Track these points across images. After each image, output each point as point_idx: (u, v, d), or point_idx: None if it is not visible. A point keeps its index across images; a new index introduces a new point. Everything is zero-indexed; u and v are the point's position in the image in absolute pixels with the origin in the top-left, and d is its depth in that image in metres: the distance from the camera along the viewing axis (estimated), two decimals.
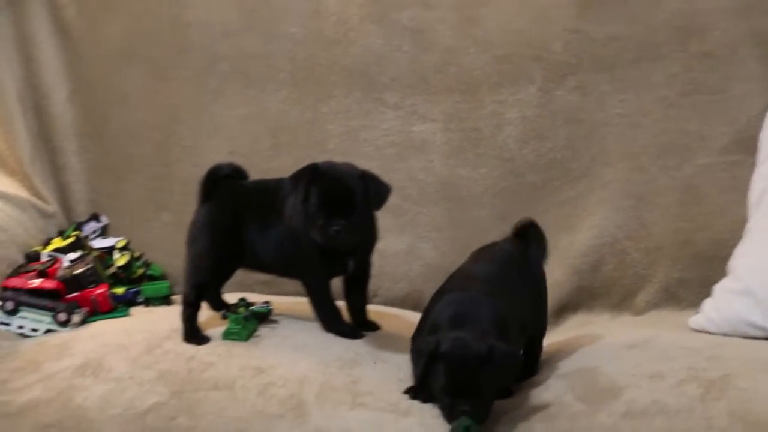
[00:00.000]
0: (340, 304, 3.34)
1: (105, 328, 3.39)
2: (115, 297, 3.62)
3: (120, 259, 3.80)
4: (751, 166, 3.48)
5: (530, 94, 3.81)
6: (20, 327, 3.44)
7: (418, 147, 3.90)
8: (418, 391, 2.92)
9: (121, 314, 3.55)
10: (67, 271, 3.60)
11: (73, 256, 3.72)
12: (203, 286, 3.34)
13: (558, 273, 3.67)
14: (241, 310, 3.27)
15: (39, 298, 3.47)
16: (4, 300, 3.45)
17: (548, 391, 2.96)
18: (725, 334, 3.19)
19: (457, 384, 2.73)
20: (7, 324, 3.44)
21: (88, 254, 3.73)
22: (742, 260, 3.31)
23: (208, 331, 3.25)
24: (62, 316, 3.43)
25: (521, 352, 3.06)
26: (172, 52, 4.13)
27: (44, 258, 3.73)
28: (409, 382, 2.96)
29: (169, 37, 4.13)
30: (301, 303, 3.39)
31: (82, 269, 3.59)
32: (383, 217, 3.31)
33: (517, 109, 3.82)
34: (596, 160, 3.73)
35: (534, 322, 3.14)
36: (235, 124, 4.05)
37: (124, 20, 4.17)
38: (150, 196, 4.10)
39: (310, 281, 3.31)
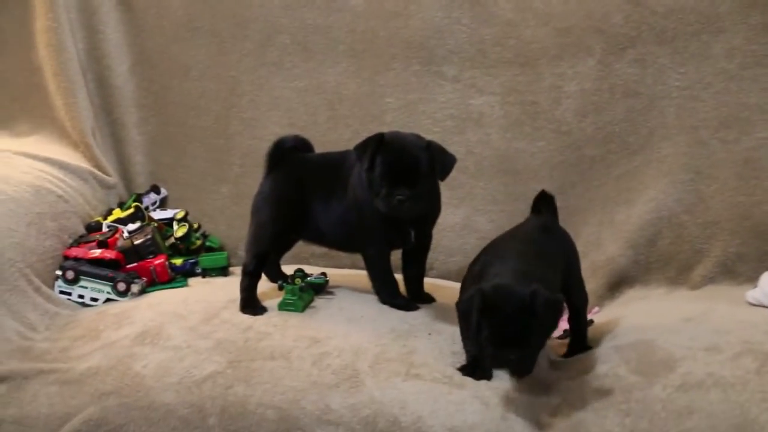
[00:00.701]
0: (397, 277, 3.35)
1: (163, 297, 3.43)
2: (174, 267, 3.67)
3: (179, 230, 3.83)
4: None
5: (589, 67, 3.79)
6: (80, 296, 3.50)
7: (476, 120, 3.90)
8: (471, 369, 2.92)
9: (179, 284, 3.60)
10: (127, 241, 3.65)
11: (132, 227, 3.76)
12: (264, 256, 3.37)
13: (614, 247, 3.66)
14: (298, 281, 3.29)
15: (99, 268, 3.53)
16: (65, 269, 3.51)
17: (604, 363, 2.95)
18: None
19: (501, 331, 2.70)
20: (68, 293, 3.50)
21: (147, 225, 3.78)
22: None
23: (266, 302, 3.28)
24: (122, 286, 3.48)
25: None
26: (233, 25, 4.15)
27: (105, 228, 3.78)
28: (462, 356, 2.97)
29: (229, 9, 4.15)
30: (357, 275, 3.41)
31: (142, 240, 3.65)
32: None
33: (575, 82, 3.80)
34: (654, 134, 3.70)
35: (573, 289, 3.11)
36: (293, 97, 4.07)
37: None
38: (209, 168, 4.14)
39: (371, 252, 3.31)
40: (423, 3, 3.97)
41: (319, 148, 3.47)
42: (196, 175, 4.15)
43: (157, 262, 3.60)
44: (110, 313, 3.33)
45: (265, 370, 2.95)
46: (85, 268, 3.51)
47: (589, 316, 3.34)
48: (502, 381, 2.89)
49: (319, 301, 3.30)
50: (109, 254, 3.58)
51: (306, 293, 3.27)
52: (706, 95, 3.64)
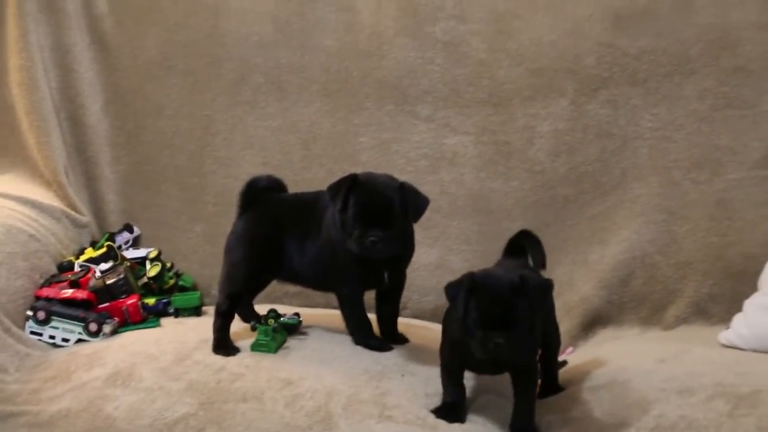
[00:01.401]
0: (371, 316, 3.34)
1: (135, 338, 3.41)
2: (146, 307, 3.64)
3: (152, 270, 3.81)
4: None
5: (562, 108, 3.81)
6: (52, 337, 3.47)
7: (450, 160, 3.91)
8: (445, 412, 2.90)
9: (151, 325, 3.57)
10: (99, 281, 3.62)
11: (105, 266, 3.73)
12: (237, 296, 3.35)
13: (588, 287, 3.67)
14: (271, 321, 3.28)
15: (71, 308, 3.49)
16: (36, 310, 3.47)
17: (577, 405, 2.95)
18: (755, 350, 3.17)
19: (490, 315, 2.68)
20: (39, 334, 3.47)
21: (120, 264, 3.75)
22: None
23: (238, 343, 3.26)
24: (93, 326, 3.45)
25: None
26: (207, 64, 4.15)
27: (77, 268, 3.76)
28: (435, 398, 2.95)
29: (204, 49, 4.16)
30: (330, 315, 3.40)
31: (114, 279, 3.62)
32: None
33: (548, 122, 3.82)
34: (627, 174, 3.73)
35: (547, 330, 3.05)
36: (268, 136, 4.07)
37: (160, 32, 4.19)
38: (182, 207, 4.12)
39: (345, 292, 3.30)
40: (396, 43, 3.99)
41: (293, 187, 3.46)
42: (169, 213, 4.13)
43: (129, 302, 3.57)
44: (82, 354, 3.30)
45: (237, 412, 2.92)
46: (57, 308, 3.48)
47: (564, 357, 3.35)
48: (475, 424, 2.88)
49: (292, 342, 3.28)
50: (81, 294, 3.54)
51: (279, 334, 3.25)
52: (678, 136, 3.67)
